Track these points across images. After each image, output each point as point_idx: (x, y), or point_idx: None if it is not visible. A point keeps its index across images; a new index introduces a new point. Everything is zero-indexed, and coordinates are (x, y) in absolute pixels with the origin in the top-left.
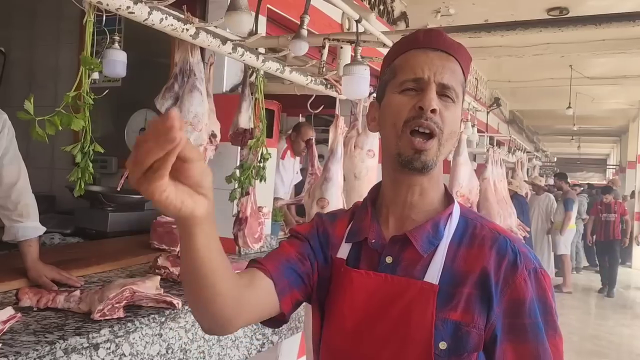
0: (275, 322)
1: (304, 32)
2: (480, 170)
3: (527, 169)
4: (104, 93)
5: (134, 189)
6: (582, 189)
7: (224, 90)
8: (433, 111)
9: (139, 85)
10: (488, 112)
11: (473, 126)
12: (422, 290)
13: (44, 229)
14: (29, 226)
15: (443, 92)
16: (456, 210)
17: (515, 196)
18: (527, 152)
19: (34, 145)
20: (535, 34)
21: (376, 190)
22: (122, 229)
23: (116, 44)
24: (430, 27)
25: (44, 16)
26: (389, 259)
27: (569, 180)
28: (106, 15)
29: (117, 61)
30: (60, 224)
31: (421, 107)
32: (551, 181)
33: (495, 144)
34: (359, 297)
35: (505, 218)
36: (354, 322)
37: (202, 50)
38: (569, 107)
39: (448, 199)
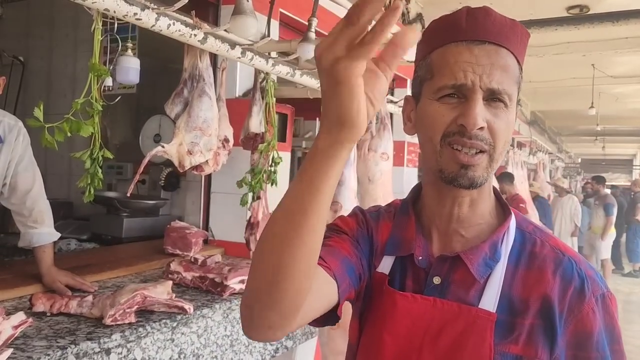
0: (326, 321)
1: (312, 35)
2: (500, 173)
3: (550, 171)
4: (116, 100)
5: (320, 65)
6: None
7: (237, 95)
8: (480, 129)
9: (154, 92)
10: None
11: None
12: (477, 319)
13: (58, 234)
14: (44, 232)
15: (493, 96)
16: (512, 223)
17: (537, 198)
18: (550, 153)
19: (52, 153)
20: (555, 33)
21: (416, 192)
22: (137, 234)
23: (129, 51)
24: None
25: (62, 26)
26: (436, 280)
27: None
28: (119, 24)
29: (130, 68)
30: (77, 230)
31: (463, 124)
32: (575, 183)
33: (515, 146)
34: (403, 323)
35: None
36: (395, 351)
37: (215, 56)
38: (592, 107)
39: (503, 208)
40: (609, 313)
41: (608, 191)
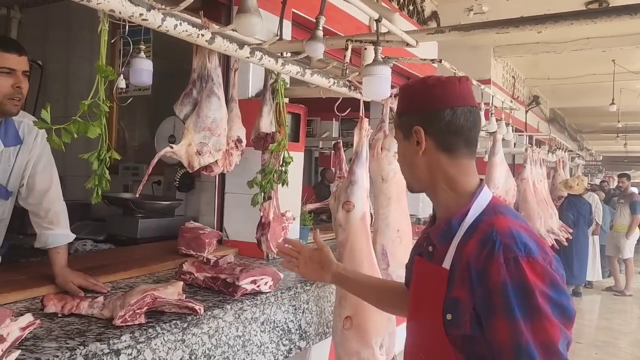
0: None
1: (320, 34)
2: (519, 171)
3: (571, 169)
4: (128, 102)
5: None
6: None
7: (250, 96)
8: None
9: (170, 93)
10: (527, 111)
11: (507, 125)
12: (438, 273)
13: (73, 236)
14: (59, 233)
15: None
16: (474, 209)
17: (569, 197)
18: (569, 151)
19: (71, 154)
20: (573, 29)
21: None
22: (152, 234)
23: (142, 53)
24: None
25: (78, 29)
26: (430, 249)
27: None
28: (132, 26)
29: (142, 70)
30: (93, 231)
31: None
32: (596, 180)
33: (534, 144)
34: (416, 274)
35: (546, 219)
36: (411, 290)
37: (227, 56)
38: (612, 103)
39: (469, 200)
40: (520, 272)
41: (635, 190)
